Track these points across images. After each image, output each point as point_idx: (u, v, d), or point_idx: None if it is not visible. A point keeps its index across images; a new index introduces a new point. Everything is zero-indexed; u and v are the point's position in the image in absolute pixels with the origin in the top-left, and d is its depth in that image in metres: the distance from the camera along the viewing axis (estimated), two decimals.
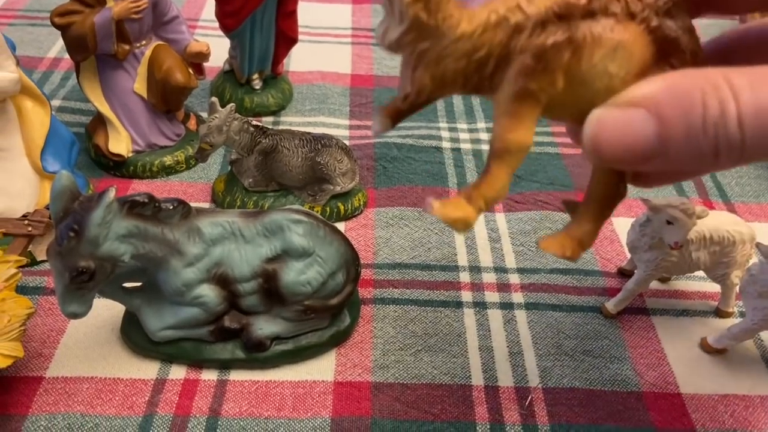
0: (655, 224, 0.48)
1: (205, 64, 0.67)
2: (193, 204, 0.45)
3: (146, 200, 0.41)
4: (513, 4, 0.26)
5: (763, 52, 0.31)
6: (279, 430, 0.44)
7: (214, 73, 0.76)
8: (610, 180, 0.30)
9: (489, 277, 0.56)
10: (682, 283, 0.57)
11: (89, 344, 0.49)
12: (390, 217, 0.61)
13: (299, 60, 0.83)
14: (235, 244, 0.45)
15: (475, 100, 0.78)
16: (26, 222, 0.51)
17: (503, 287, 0.56)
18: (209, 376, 0.47)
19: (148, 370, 0.47)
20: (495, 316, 0.53)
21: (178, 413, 0.45)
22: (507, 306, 0.54)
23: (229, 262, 0.45)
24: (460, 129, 0.74)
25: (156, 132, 0.64)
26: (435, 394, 0.47)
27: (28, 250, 0.52)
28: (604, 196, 0.30)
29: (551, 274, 0.57)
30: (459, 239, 0.60)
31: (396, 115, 0.29)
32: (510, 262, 0.58)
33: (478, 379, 0.48)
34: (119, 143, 0.62)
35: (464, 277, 0.56)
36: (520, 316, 0.53)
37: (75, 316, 0.42)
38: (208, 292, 0.45)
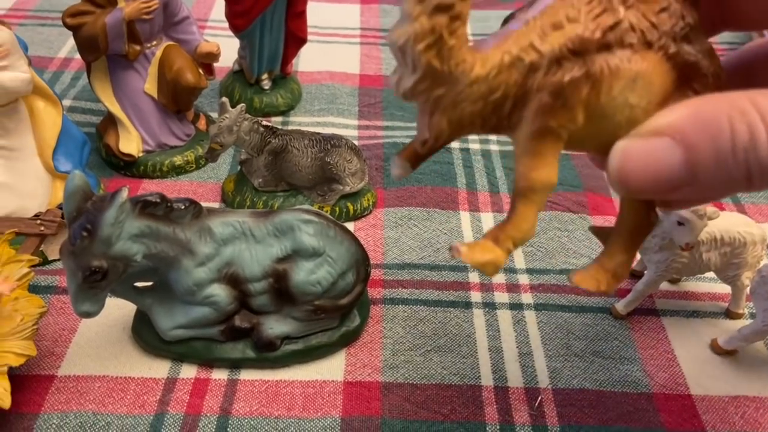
0: (665, 225, 0.48)
1: (215, 64, 0.67)
2: (202, 204, 0.45)
3: (158, 200, 0.41)
4: (526, 44, 0.25)
5: None
6: (289, 430, 0.44)
7: (223, 73, 0.76)
8: (640, 209, 0.29)
9: (498, 278, 0.56)
10: (693, 284, 0.57)
11: (101, 343, 0.49)
12: (399, 218, 0.62)
13: (308, 60, 0.83)
14: (245, 244, 0.45)
15: None
16: (38, 221, 0.51)
17: (512, 288, 0.56)
18: (220, 375, 0.48)
19: (159, 369, 0.48)
20: (504, 317, 0.53)
21: (189, 412, 0.45)
22: (516, 307, 0.54)
23: (240, 261, 0.45)
24: None
25: (166, 132, 0.65)
26: (444, 394, 0.47)
27: (40, 249, 0.52)
28: (635, 226, 0.30)
29: (561, 275, 0.57)
30: (468, 239, 0.60)
31: (415, 159, 0.29)
32: (519, 262, 0.58)
33: (487, 380, 0.48)
34: (130, 143, 0.63)
35: (473, 277, 0.56)
36: (530, 316, 0.53)
37: (88, 315, 0.42)
38: (219, 292, 0.45)
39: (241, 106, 0.56)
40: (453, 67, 0.25)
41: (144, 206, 0.41)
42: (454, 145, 0.71)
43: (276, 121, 0.73)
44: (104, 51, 0.58)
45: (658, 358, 0.51)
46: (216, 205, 0.62)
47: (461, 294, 0.55)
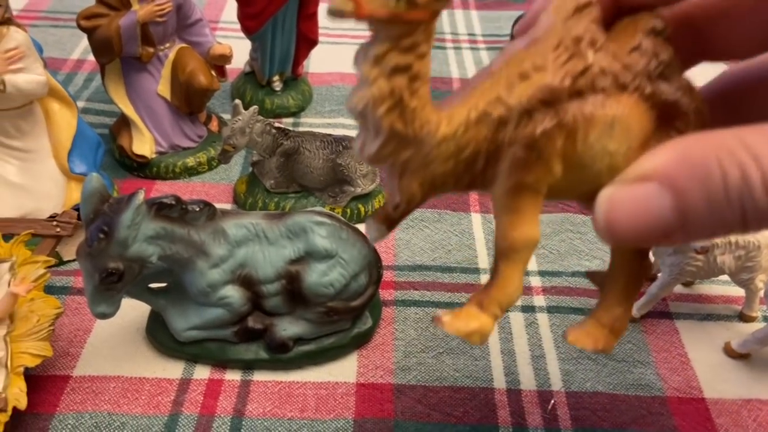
0: None
1: (226, 66, 0.67)
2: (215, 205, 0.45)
3: (173, 202, 0.42)
4: (492, 98, 0.24)
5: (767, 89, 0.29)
6: (302, 431, 0.45)
7: (234, 75, 0.76)
8: (632, 258, 0.28)
9: None
10: (706, 287, 0.57)
11: (115, 344, 0.49)
12: (410, 219, 0.62)
13: (318, 61, 0.83)
14: (259, 246, 0.45)
15: None
16: (54, 223, 0.52)
17: (525, 290, 0.55)
18: (233, 376, 0.48)
19: (173, 369, 0.48)
20: (517, 319, 0.53)
21: (203, 413, 0.45)
22: (529, 309, 0.54)
23: (253, 263, 0.45)
24: None
25: (179, 133, 0.65)
26: (457, 396, 0.47)
27: (56, 250, 0.53)
28: (629, 275, 0.28)
29: (573, 278, 0.57)
30: (479, 241, 0.60)
31: (390, 223, 0.28)
32: (531, 264, 0.58)
33: (500, 383, 0.48)
34: (143, 144, 0.63)
35: (485, 279, 0.56)
36: (542, 319, 0.53)
37: (104, 316, 0.43)
38: (233, 293, 0.45)
39: (254, 108, 0.57)
40: (417, 129, 0.24)
41: (159, 208, 0.41)
42: None
43: (287, 122, 0.73)
44: (118, 53, 0.59)
45: (672, 361, 0.51)
46: (228, 206, 0.62)
47: None
